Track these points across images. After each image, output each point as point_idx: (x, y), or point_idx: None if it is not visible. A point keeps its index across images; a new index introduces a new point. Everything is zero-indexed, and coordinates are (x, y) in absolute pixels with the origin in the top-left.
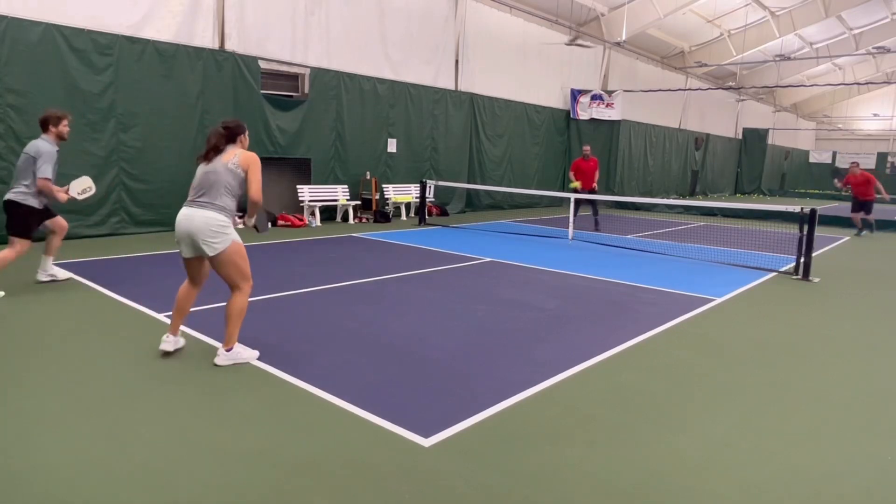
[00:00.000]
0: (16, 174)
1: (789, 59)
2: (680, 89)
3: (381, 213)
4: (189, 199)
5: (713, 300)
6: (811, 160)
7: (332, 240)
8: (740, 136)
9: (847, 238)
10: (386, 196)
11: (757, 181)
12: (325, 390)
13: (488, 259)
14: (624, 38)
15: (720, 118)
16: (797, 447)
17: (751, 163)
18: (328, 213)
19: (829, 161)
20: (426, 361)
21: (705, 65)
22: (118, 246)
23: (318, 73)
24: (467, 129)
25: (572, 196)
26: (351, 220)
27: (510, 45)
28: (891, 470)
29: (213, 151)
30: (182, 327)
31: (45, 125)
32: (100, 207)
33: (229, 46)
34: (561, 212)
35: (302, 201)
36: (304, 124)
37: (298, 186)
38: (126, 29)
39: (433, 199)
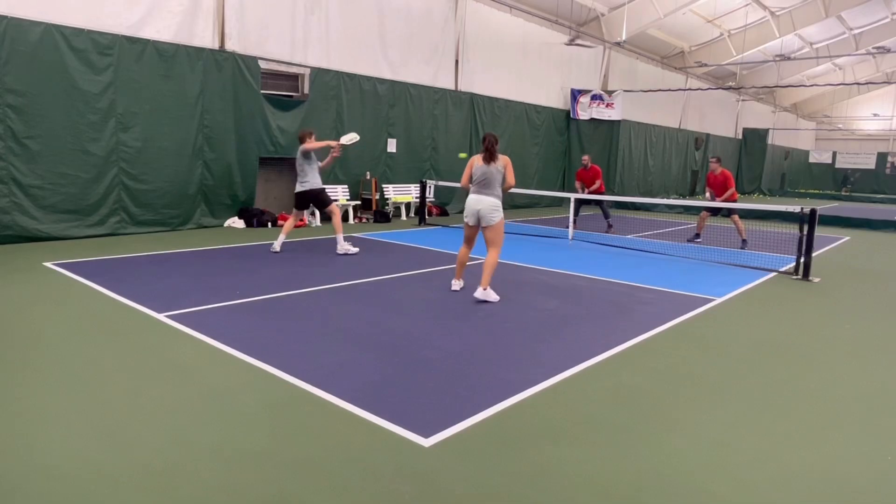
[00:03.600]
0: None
1: (789, 59)
2: (680, 89)
3: (381, 213)
4: (475, 189)
5: (713, 300)
6: (811, 160)
7: (332, 240)
8: (740, 136)
9: (847, 238)
10: (386, 196)
11: (757, 181)
12: (325, 390)
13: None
14: (624, 38)
15: (720, 118)
16: (796, 447)
17: (751, 163)
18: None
19: (830, 161)
20: (426, 361)
21: (705, 65)
22: (118, 246)
23: (318, 73)
24: (467, 129)
25: (572, 196)
26: (351, 220)
27: (510, 45)
28: (890, 470)
29: (490, 157)
30: (180, 327)
31: (301, 139)
32: (100, 207)
33: (229, 46)
34: (561, 212)
35: None
36: (304, 124)
37: None
38: (126, 29)
39: (433, 199)
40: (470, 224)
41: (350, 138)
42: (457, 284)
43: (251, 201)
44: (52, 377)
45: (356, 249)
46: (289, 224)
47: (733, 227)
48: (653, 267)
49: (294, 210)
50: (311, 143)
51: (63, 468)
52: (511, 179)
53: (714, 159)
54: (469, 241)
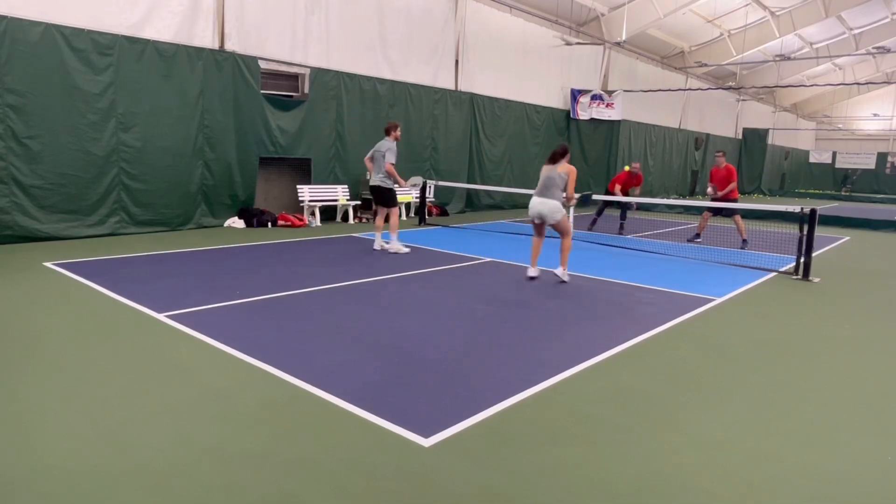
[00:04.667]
0: (375, 167)
1: (789, 59)
2: (680, 89)
3: (377, 214)
4: (538, 191)
5: (713, 300)
6: (811, 160)
7: (332, 240)
8: (740, 136)
9: (847, 238)
10: None
11: (757, 181)
12: (325, 390)
13: (488, 259)
14: (624, 38)
15: (720, 118)
16: (797, 447)
17: (751, 163)
18: (328, 213)
19: (829, 161)
20: (426, 361)
21: (705, 65)
22: (118, 246)
23: (318, 73)
24: (467, 129)
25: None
26: (351, 220)
27: (510, 45)
28: (891, 470)
29: (553, 161)
30: (180, 327)
31: (387, 132)
32: (100, 207)
33: (229, 46)
34: None
35: (302, 201)
36: (304, 124)
37: (298, 186)
38: (126, 29)
39: (433, 199)
40: (535, 223)
41: (414, 182)
42: (532, 272)
43: (251, 201)
44: (52, 377)
45: (407, 250)
46: (379, 220)
47: (733, 227)
48: (653, 267)
49: (376, 207)
50: (394, 169)
51: (63, 468)
52: (570, 189)
53: (720, 153)
54: (538, 233)
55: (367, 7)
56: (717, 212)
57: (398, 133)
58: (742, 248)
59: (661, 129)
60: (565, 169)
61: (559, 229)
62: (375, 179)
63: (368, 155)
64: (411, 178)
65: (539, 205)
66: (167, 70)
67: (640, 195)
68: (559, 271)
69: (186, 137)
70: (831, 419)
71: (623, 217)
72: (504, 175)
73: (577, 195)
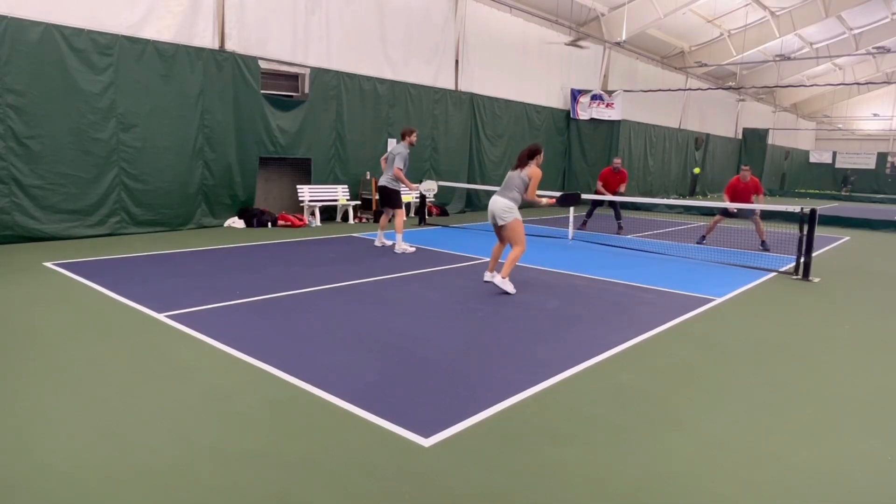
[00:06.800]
0: (386, 169)
1: (789, 59)
2: (680, 89)
3: (381, 213)
4: (498, 190)
5: (713, 300)
6: (811, 160)
7: (332, 240)
8: (740, 136)
9: (847, 238)
10: None
11: None
12: (325, 390)
13: (488, 259)
14: (624, 38)
15: (720, 118)
16: (797, 447)
17: (751, 163)
18: (328, 213)
19: (830, 161)
20: (426, 361)
21: (705, 65)
22: (118, 246)
23: (318, 73)
24: (467, 129)
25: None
26: (351, 220)
27: (510, 45)
28: (891, 470)
29: (520, 163)
30: (180, 327)
31: (402, 136)
32: (100, 207)
33: (229, 46)
34: (561, 212)
35: (302, 201)
36: (304, 124)
37: (298, 186)
38: (126, 29)
39: (433, 199)
40: (491, 223)
41: (428, 187)
42: (488, 276)
43: (251, 201)
44: (51, 377)
45: (413, 249)
46: (383, 220)
47: (739, 228)
48: (653, 267)
49: (382, 207)
50: (400, 173)
51: (63, 468)
52: (531, 193)
53: (746, 167)
54: (500, 238)
55: (367, 7)
56: (727, 214)
57: (412, 139)
58: (762, 249)
59: (661, 129)
60: (529, 172)
61: (506, 234)
62: (383, 180)
63: (384, 156)
64: (425, 182)
65: (492, 203)
66: (167, 70)
67: (635, 194)
68: (497, 279)
69: (186, 137)
70: (831, 419)
71: (618, 216)
72: (504, 175)
73: (551, 196)
